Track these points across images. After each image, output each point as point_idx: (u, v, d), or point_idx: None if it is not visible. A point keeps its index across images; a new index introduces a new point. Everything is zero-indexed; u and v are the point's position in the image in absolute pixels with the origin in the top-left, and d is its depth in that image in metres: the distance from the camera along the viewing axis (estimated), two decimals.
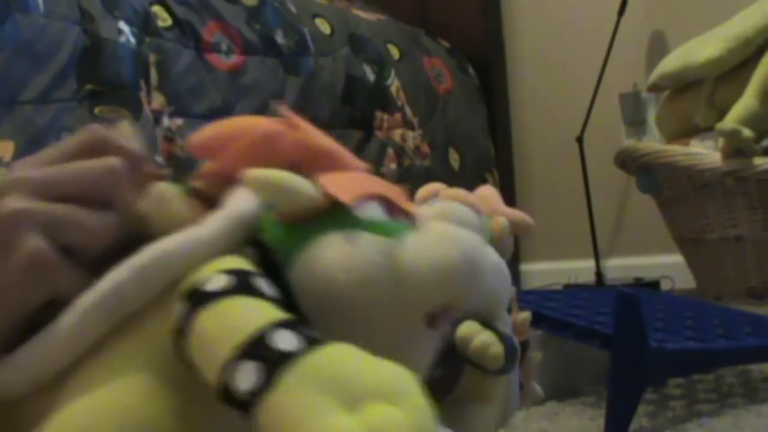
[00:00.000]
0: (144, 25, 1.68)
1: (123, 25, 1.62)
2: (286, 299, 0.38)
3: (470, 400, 0.55)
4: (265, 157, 0.43)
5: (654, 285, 2.20)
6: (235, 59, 1.84)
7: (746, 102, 1.81)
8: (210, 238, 0.39)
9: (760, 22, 1.91)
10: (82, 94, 1.53)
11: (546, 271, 2.54)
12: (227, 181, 0.43)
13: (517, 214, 0.61)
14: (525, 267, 2.61)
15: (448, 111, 2.38)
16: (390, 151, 2.15)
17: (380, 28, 2.32)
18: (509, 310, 0.59)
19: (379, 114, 2.16)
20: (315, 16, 2.13)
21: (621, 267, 2.43)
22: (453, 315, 0.44)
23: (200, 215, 0.41)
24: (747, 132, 1.76)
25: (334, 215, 0.41)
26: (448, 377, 0.55)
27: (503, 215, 0.58)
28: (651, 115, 2.38)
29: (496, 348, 0.50)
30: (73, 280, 0.40)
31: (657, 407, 0.92)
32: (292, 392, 0.31)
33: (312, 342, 0.33)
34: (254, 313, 0.35)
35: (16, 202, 0.40)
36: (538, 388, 0.63)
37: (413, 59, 2.33)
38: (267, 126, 0.45)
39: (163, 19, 1.74)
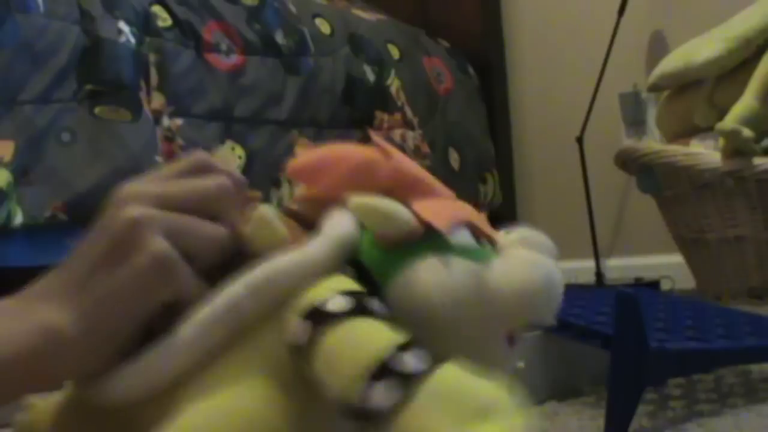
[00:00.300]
0: (144, 25, 1.68)
1: (123, 25, 1.62)
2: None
3: None
4: (362, 183, 0.46)
5: (654, 285, 2.20)
6: (235, 59, 1.84)
7: (746, 102, 1.81)
8: (318, 258, 0.43)
9: (760, 22, 1.91)
10: (82, 94, 1.53)
11: None
12: (322, 204, 0.46)
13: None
14: None
15: (448, 111, 2.38)
16: None
17: (380, 28, 2.32)
18: None
19: (379, 114, 2.16)
20: (315, 16, 2.13)
21: (621, 267, 2.43)
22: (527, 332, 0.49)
23: (297, 236, 0.45)
24: (747, 132, 1.76)
25: (429, 240, 0.44)
26: None
27: None
28: (651, 115, 2.38)
29: None
30: (193, 285, 0.43)
31: (657, 407, 0.93)
32: (425, 407, 0.35)
33: (429, 361, 0.37)
34: (375, 334, 0.39)
35: (139, 209, 0.42)
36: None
37: (413, 59, 2.33)
38: (364, 154, 0.48)
39: (163, 19, 1.74)
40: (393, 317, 0.41)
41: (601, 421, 0.82)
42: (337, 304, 0.40)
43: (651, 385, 0.97)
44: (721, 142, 1.82)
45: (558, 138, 2.54)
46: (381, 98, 2.17)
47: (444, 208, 0.47)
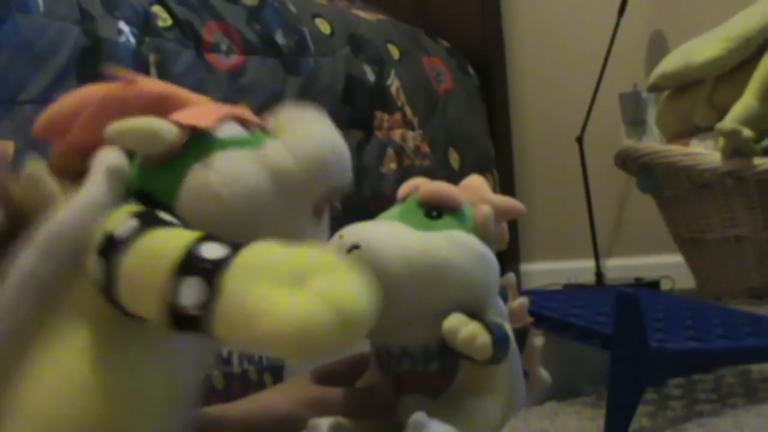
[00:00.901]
0: (144, 25, 1.68)
1: (123, 25, 1.62)
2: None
3: (471, 392, 0.55)
4: (114, 118, 0.44)
5: (654, 285, 2.20)
6: (235, 59, 1.84)
7: (746, 102, 1.81)
8: (95, 196, 0.41)
9: (760, 22, 1.91)
10: None
11: (546, 271, 2.54)
12: (86, 152, 0.45)
13: (504, 200, 0.61)
14: (525, 267, 2.61)
15: (448, 111, 2.38)
16: (390, 151, 2.15)
17: (380, 28, 2.32)
18: (505, 299, 0.59)
19: (379, 114, 2.16)
20: (315, 16, 2.13)
21: (621, 267, 2.43)
22: (332, 201, 0.49)
23: (71, 188, 0.43)
24: (747, 132, 1.76)
25: (198, 143, 0.44)
26: (444, 371, 0.55)
27: (489, 203, 0.58)
28: (651, 115, 2.38)
29: (483, 338, 0.51)
30: None
31: (657, 407, 0.92)
32: (240, 291, 0.34)
33: (236, 246, 0.36)
34: (173, 239, 0.38)
35: None
36: (544, 374, 0.63)
37: (413, 59, 2.33)
38: (106, 89, 0.47)
39: (163, 19, 1.74)
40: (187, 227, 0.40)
41: (601, 421, 0.82)
42: (127, 226, 0.39)
43: (651, 385, 0.96)
44: (721, 142, 1.82)
45: (558, 138, 2.54)
46: (381, 98, 2.17)
47: (204, 110, 0.46)
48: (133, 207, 0.41)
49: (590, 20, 2.52)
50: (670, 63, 2.05)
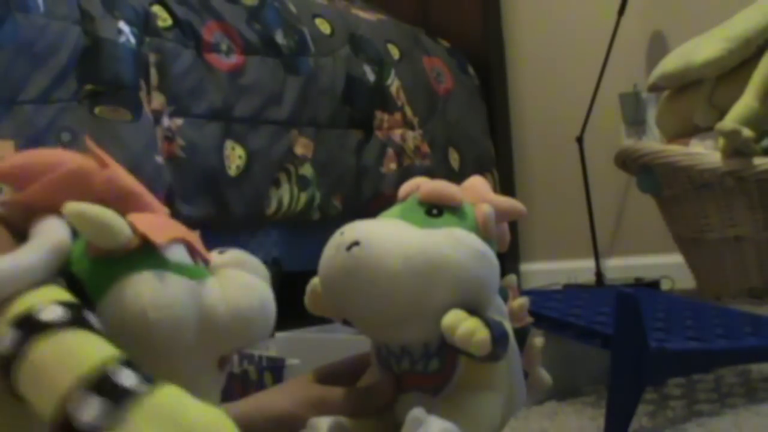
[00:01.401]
0: (144, 25, 1.68)
1: (123, 25, 1.62)
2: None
3: (471, 389, 0.55)
4: (74, 191, 0.44)
5: (654, 285, 2.20)
6: (235, 59, 1.84)
7: (746, 102, 1.81)
8: (28, 264, 0.40)
9: (760, 22, 1.91)
10: (82, 94, 1.53)
11: (546, 271, 2.54)
12: (32, 210, 0.44)
13: (505, 201, 0.61)
14: (525, 267, 2.61)
15: (448, 111, 2.38)
16: (390, 151, 2.15)
17: (380, 28, 2.32)
18: (506, 298, 0.59)
19: (379, 114, 2.16)
20: (315, 16, 2.13)
21: (621, 267, 2.43)
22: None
23: (3, 242, 0.42)
24: (747, 132, 1.76)
25: (146, 254, 0.43)
26: (444, 369, 0.55)
27: (491, 203, 0.58)
28: (651, 115, 2.38)
29: (482, 334, 0.51)
30: None
31: (657, 407, 0.92)
32: (137, 429, 0.34)
33: (151, 382, 0.36)
34: (94, 347, 0.36)
35: None
36: (545, 375, 0.63)
37: (413, 59, 2.33)
38: (78, 162, 0.46)
39: (163, 19, 1.74)
40: (107, 334, 0.39)
41: (601, 421, 0.82)
42: (53, 313, 0.38)
43: (651, 385, 0.97)
44: (721, 142, 1.82)
45: (558, 138, 2.54)
46: (381, 98, 2.17)
47: (160, 223, 0.46)
48: (63, 293, 0.40)
49: (590, 20, 2.52)
50: (670, 63, 2.05)
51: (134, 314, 0.41)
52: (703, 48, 1.96)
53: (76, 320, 0.38)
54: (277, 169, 1.86)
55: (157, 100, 1.67)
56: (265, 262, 0.50)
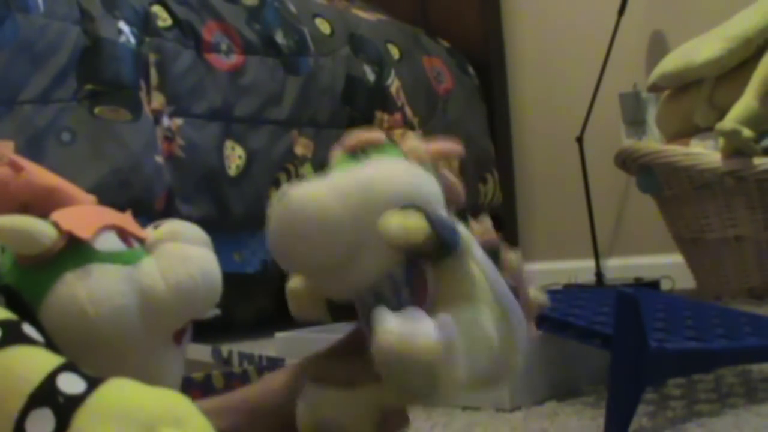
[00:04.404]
0: (144, 25, 1.68)
1: (123, 25, 1.62)
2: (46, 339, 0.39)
3: (454, 304, 0.52)
4: None
5: (654, 285, 2.19)
6: (235, 59, 1.84)
7: (746, 102, 1.81)
8: None
9: (760, 22, 1.91)
10: (82, 94, 1.53)
11: (546, 271, 2.54)
12: None
13: (439, 143, 0.62)
14: (525, 267, 2.61)
15: (448, 111, 2.38)
16: None
17: (380, 28, 2.32)
18: (498, 255, 0.57)
19: (379, 114, 2.16)
20: (315, 16, 2.13)
21: (621, 267, 2.43)
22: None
23: None
24: (747, 132, 1.76)
25: (74, 251, 0.43)
26: (416, 292, 0.53)
27: (424, 148, 0.58)
28: (651, 115, 2.38)
29: (414, 217, 0.49)
30: None
31: (657, 407, 0.92)
32: (86, 430, 0.33)
33: (93, 381, 0.35)
34: (35, 361, 0.36)
35: None
36: (537, 293, 0.61)
37: (413, 59, 2.33)
38: None
39: (163, 19, 1.74)
40: (50, 341, 0.38)
41: (601, 421, 0.82)
42: None
43: (651, 385, 0.97)
44: (721, 142, 1.82)
45: (558, 138, 2.54)
46: (381, 98, 2.17)
47: (86, 215, 0.45)
48: None
49: (590, 20, 2.52)
50: (670, 63, 2.05)
51: (75, 315, 0.41)
52: (703, 48, 1.96)
53: (14, 338, 0.37)
54: (277, 169, 1.86)
55: (157, 100, 1.67)
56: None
